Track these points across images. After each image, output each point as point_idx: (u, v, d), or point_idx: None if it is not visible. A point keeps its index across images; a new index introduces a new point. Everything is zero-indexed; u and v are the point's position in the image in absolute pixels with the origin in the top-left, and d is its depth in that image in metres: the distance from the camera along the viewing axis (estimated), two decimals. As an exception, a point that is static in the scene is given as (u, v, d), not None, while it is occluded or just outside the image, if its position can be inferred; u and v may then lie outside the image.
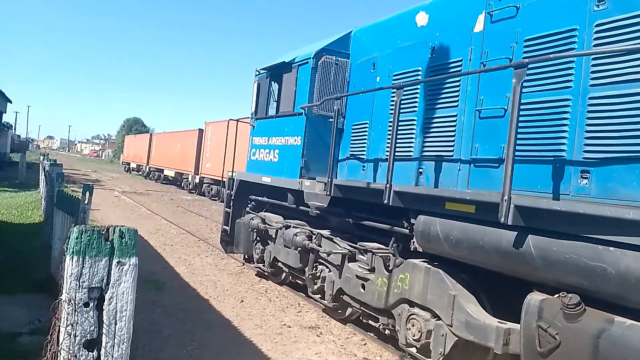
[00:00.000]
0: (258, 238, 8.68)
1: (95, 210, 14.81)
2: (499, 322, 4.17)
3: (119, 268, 2.12)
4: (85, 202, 5.03)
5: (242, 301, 7.33)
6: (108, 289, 2.11)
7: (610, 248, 3.19)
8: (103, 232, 2.07)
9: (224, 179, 10.84)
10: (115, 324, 2.16)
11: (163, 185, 34.03)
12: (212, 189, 25.08)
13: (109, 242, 2.10)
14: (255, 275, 8.97)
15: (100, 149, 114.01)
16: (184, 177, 30.08)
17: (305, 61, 7.29)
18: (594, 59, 3.72)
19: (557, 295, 3.55)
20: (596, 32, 3.75)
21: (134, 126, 69.49)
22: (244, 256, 9.69)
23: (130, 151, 46.95)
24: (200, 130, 27.31)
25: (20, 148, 52.27)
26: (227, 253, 9.94)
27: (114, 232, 2.11)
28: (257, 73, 8.89)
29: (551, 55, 3.78)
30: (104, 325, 2.13)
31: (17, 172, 24.63)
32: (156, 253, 10.31)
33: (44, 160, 17.34)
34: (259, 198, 8.88)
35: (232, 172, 9.58)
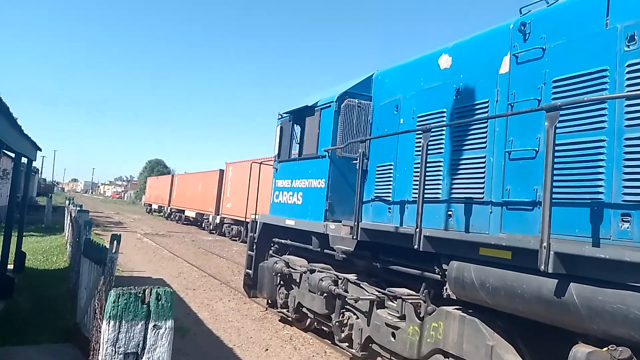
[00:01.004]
0: (282, 282, 8.54)
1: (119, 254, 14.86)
2: (541, 374, 3.93)
3: (155, 332, 2.06)
4: (113, 251, 5.03)
5: (267, 350, 7.14)
6: (144, 354, 2.05)
7: (663, 298, 3.00)
8: (140, 295, 2.03)
9: (246, 220, 10.82)
10: (150, 390, 2.08)
11: (184, 226, 34.26)
12: (232, 229, 25.10)
13: (145, 305, 2.05)
14: (279, 320, 8.78)
15: (122, 191, 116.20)
16: (204, 217, 30.26)
17: (328, 104, 7.37)
18: (628, 98, 3.64)
19: (606, 348, 3.34)
20: (628, 72, 3.69)
21: (156, 167, 70.91)
22: (268, 301, 9.53)
23: (152, 192, 47.68)
24: (221, 171, 27.66)
25: (46, 191, 53.60)
26: (250, 297, 9.79)
27: (150, 295, 2.06)
28: (280, 117, 9.01)
29: (585, 98, 3.72)
30: (139, 392, 2.05)
31: (43, 215, 25.12)
32: (179, 298, 10.22)
33: (69, 204, 17.66)
34: (283, 241, 8.80)
35: (255, 214, 9.57)
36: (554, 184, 3.74)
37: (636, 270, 3.16)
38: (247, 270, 9.54)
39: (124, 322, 2.00)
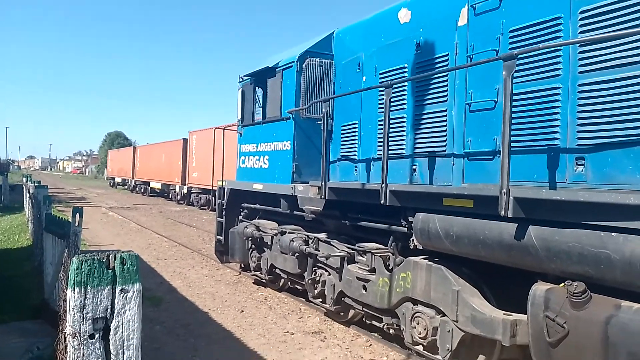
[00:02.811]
0: (253, 246, 8.59)
1: (84, 229, 14.54)
2: (504, 314, 4.15)
3: (123, 296, 2.05)
4: (76, 224, 4.91)
5: (242, 311, 7.24)
6: (113, 318, 2.03)
7: (613, 234, 3.19)
8: (104, 260, 2.00)
9: (213, 188, 10.72)
10: (123, 353, 2.08)
11: (150, 197, 33.64)
12: (200, 198, 24.85)
13: (110, 270, 2.02)
14: (253, 283, 8.88)
15: (83, 166, 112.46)
16: (171, 188, 29.77)
17: (290, 65, 7.23)
18: (580, 46, 3.73)
19: (563, 284, 3.54)
20: (581, 20, 3.76)
21: (117, 140, 68.69)
22: (240, 265, 9.59)
23: (115, 166, 46.38)
24: (185, 140, 27.07)
25: (1, 170, 51.25)
26: (223, 263, 9.83)
27: (115, 259, 2.03)
28: (241, 80, 8.80)
29: (540, 46, 3.78)
30: (112, 356, 2.05)
31: (0, 195, 24.11)
32: (150, 268, 10.15)
33: (27, 181, 16.98)
34: (252, 206, 8.79)
35: (222, 181, 9.47)
36: (513, 132, 3.83)
37: (589, 210, 3.32)
38: (218, 237, 9.53)
39: (89, 288, 1.97)
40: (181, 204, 27.66)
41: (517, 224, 3.76)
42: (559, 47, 3.86)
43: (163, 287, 8.62)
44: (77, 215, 5.01)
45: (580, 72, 3.76)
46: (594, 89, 3.65)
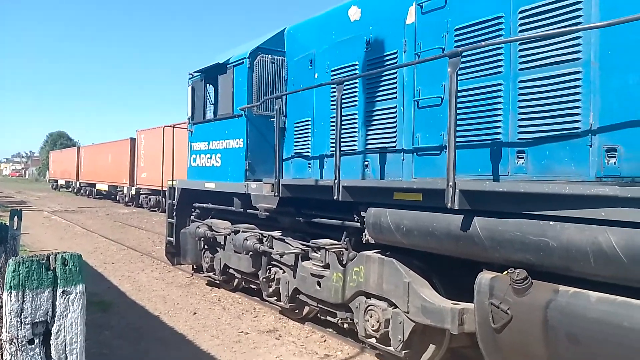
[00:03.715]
0: (206, 246, 8.43)
1: (24, 234, 13.73)
2: (453, 303, 4.30)
3: (65, 298, 1.95)
4: (15, 227, 4.62)
5: (195, 313, 7.09)
6: (54, 321, 1.93)
7: (551, 223, 3.38)
8: (43, 262, 1.89)
9: (163, 188, 10.42)
10: (66, 358, 1.98)
11: (96, 200, 32.26)
12: (150, 199, 24.09)
13: (51, 272, 1.92)
14: (206, 284, 8.71)
15: (23, 168, 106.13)
16: (118, 190, 28.68)
17: (241, 61, 7.15)
18: (520, 44, 3.91)
19: (506, 272, 3.71)
20: (521, 19, 3.95)
21: (59, 140, 65.45)
22: (193, 266, 9.38)
23: (57, 167, 44.10)
24: (133, 139, 26.14)
25: None
26: (174, 265, 9.57)
27: (55, 260, 1.93)
28: (191, 76, 8.60)
29: (482, 43, 3.93)
30: (53, 361, 1.94)
31: None
32: (97, 273, 9.73)
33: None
34: (204, 205, 8.62)
35: (173, 180, 9.23)
36: (458, 128, 3.96)
37: (529, 200, 3.50)
38: (169, 238, 9.27)
39: (27, 291, 1.85)
40: (130, 206, 26.70)
41: (463, 216, 3.90)
42: (500, 45, 4.03)
43: (111, 291, 8.30)
44: (16, 218, 4.72)
45: (520, 69, 3.95)
46: (533, 85, 3.84)
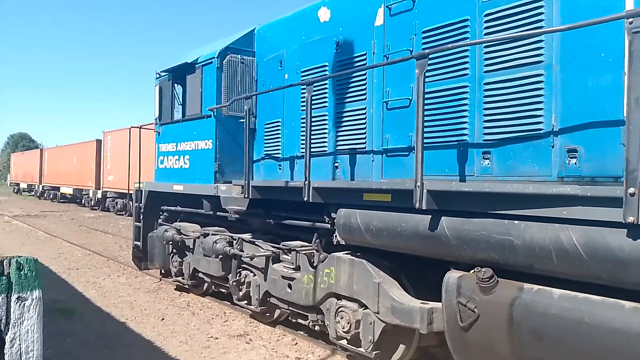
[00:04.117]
0: (174, 250, 8.26)
1: (-18, 239, 13.18)
2: (422, 303, 4.34)
3: (20, 304, 1.86)
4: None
5: (163, 319, 6.93)
6: (8, 329, 1.84)
7: (515, 221, 3.45)
8: (-6, 266, 1.80)
9: (130, 191, 10.18)
10: (20, 367, 1.89)
11: (61, 204, 31.22)
12: (117, 203, 23.49)
13: (4, 277, 1.83)
14: (175, 289, 8.54)
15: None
16: (84, 193, 27.85)
17: (210, 61, 7.05)
18: (485, 47, 3.99)
19: (473, 270, 3.77)
20: (486, 22, 4.02)
21: (21, 142, 63.24)
22: (161, 271, 9.19)
23: (19, 170, 42.49)
24: (99, 141, 25.46)
25: None
26: (142, 270, 9.35)
27: (9, 265, 1.84)
28: (158, 76, 8.43)
29: (449, 46, 3.99)
30: (6, 371, 1.85)
31: None
32: (60, 279, 9.40)
33: None
34: (172, 208, 8.45)
35: (140, 182, 9.01)
36: (426, 129, 4.02)
37: (494, 200, 3.57)
38: (136, 243, 9.05)
39: (-23, 296, 1.76)
40: (95, 209, 25.98)
41: (430, 216, 3.94)
42: (466, 48, 4.10)
43: (76, 298, 8.02)
44: (-31, 222, 4.49)
45: (485, 72, 4.02)
46: (497, 87, 3.92)
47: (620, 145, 3.11)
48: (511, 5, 3.82)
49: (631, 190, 2.81)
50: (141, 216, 8.90)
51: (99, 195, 25.18)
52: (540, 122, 3.65)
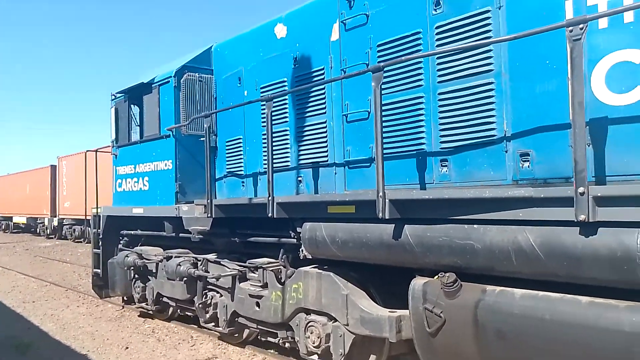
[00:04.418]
0: (136, 275, 7.99)
1: None
2: (390, 311, 4.36)
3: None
4: None
5: (127, 347, 6.65)
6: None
7: (475, 226, 3.53)
8: None
9: (87, 217, 9.81)
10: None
11: (13, 234, 29.75)
12: (74, 230, 22.60)
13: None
14: (139, 316, 8.23)
15: None
16: (38, 221, 26.64)
17: (167, 80, 6.95)
18: (438, 58, 4.12)
19: (437, 276, 3.83)
20: (437, 34, 4.16)
21: (-32, 172, 59.84)
22: (123, 298, 8.85)
23: (-34, 201, 40.19)
24: (53, 167, 24.51)
25: None
26: (103, 298, 8.97)
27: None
28: (114, 97, 8.24)
29: (402, 58, 4.10)
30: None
31: None
32: (14, 314, 8.90)
33: None
34: (132, 232, 8.19)
35: (97, 207, 8.71)
36: (385, 140, 4.10)
37: (454, 206, 3.65)
38: (95, 270, 8.69)
39: None
40: (52, 238, 24.86)
41: (394, 225, 3.99)
42: (419, 59, 4.23)
43: (31, 332, 7.60)
44: None
45: (439, 82, 4.15)
46: (451, 96, 4.05)
47: (568, 147, 3.26)
48: (460, 17, 3.98)
49: (581, 189, 2.94)
50: (100, 242, 8.58)
51: (55, 222, 24.14)
52: (493, 129, 3.79)
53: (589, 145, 3.19)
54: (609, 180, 3.19)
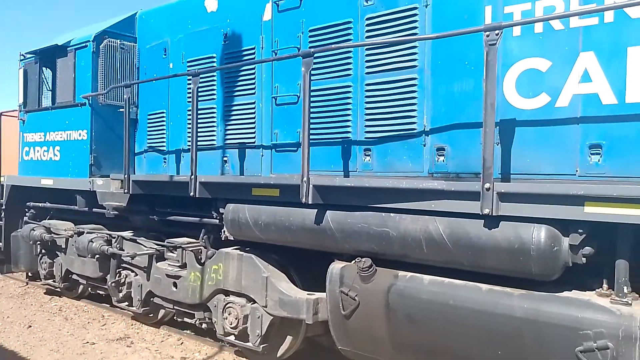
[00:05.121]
0: (43, 250, 7.48)
1: None
2: (308, 294, 4.46)
3: None
4: None
5: (30, 326, 6.25)
6: None
7: (391, 214, 3.70)
8: None
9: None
10: None
11: None
12: (-26, 199, 20.50)
13: None
14: (45, 293, 7.74)
15: None
16: None
17: (84, 44, 6.45)
18: (367, 49, 4.20)
19: (354, 261, 3.97)
20: (367, 26, 4.22)
21: None
22: (27, 274, 8.27)
23: None
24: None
25: None
26: (4, 274, 8.34)
27: None
28: (23, 58, 7.52)
29: (333, 46, 4.13)
30: None
31: None
32: None
33: None
34: (40, 204, 7.62)
35: (0, 177, 7.98)
36: (312, 126, 4.13)
37: (373, 194, 3.79)
38: (-4, 244, 8.01)
39: None
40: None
41: (316, 210, 4.07)
42: (349, 49, 4.28)
43: None
44: None
45: (366, 73, 4.23)
46: (377, 88, 4.15)
47: (479, 145, 3.49)
48: (389, 11, 4.06)
49: (487, 185, 3.18)
50: (2, 214, 7.93)
51: (-51, 190, 21.75)
52: (414, 123, 3.95)
53: (497, 144, 3.44)
54: (512, 178, 3.47)
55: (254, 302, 4.75)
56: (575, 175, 3.25)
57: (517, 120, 3.45)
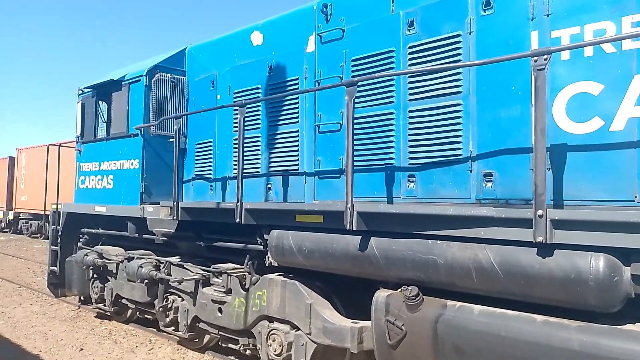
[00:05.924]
0: (95, 275, 7.78)
1: None
2: (352, 322, 4.41)
3: None
4: None
5: (82, 349, 6.46)
6: None
7: (438, 241, 3.64)
8: None
9: (46, 213, 9.48)
10: None
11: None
12: (31, 225, 21.73)
13: None
14: (96, 317, 8.00)
15: None
16: (-7, 214, 25.45)
17: (138, 79, 6.83)
18: (410, 76, 4.23)
19: (400, 289, 3.91)
20: (410, 54, 4.28)
21: None
22: (80, 298, 8.59)
23: None
24: (12, 158, 23.52)
25: None
26: (58, 297, 8.69)
27: None
28: (81, 92, 8.02)
29: (376, 75, 4.19)
30: None
31: None
32: (-40, 311, 8.48)
33: None
34: (94, 231, 7.97)
35: (57, 204, 8.43)
36: (355, 153, 4.16)
37: (419, 221, 3.75)
38: (52, 268, 8.40)
39: None
40: (6, 232, 23.82)
41: (360, 236, 4.06)
42: (392, 77, 4.32)
43: (-22, 331, 7.26)
44: None
45: (409, 100, 4.26)
46: (420, 114, 4.16)
47: (528, 171, 3.41)
48: (432, 39, 4.10)
49: (539, 212, 3.08)
50: (59, 239, 8.31)
51: (11, 216, 23.17)
52: (459, 148, 3.91)
53: (548, 170, 3.35)
54: (565, 205, 3.36)
55: (298, 329, 4.74)
56: (634, 201, 3.10)
57: (569, 145, 3.36)
